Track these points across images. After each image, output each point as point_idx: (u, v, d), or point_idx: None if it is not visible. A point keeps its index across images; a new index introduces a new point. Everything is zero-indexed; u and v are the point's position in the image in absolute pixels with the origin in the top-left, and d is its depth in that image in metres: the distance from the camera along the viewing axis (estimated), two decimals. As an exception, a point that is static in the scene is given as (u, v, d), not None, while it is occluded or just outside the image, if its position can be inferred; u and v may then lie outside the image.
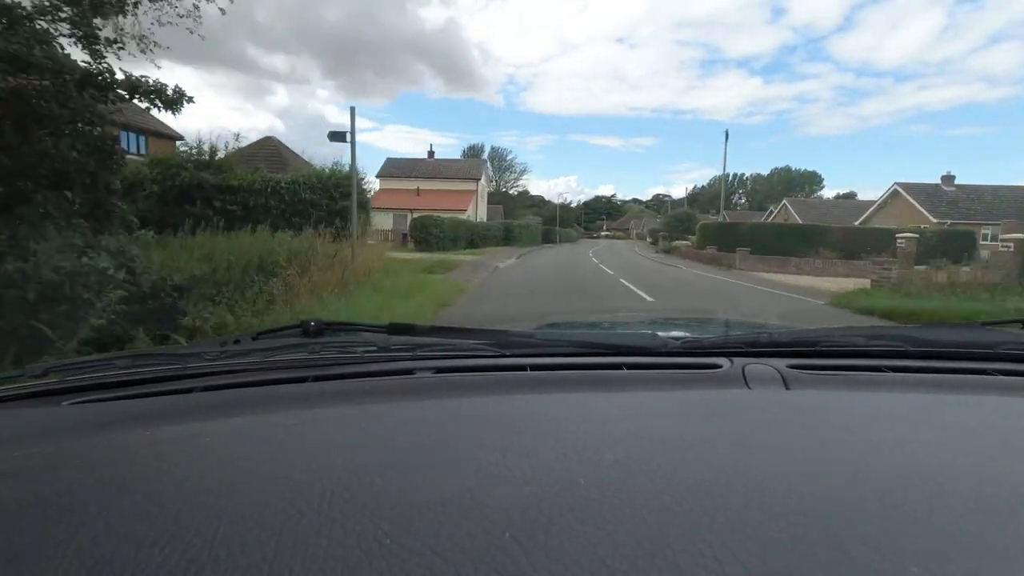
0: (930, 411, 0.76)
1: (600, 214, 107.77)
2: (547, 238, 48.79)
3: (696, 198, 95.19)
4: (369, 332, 1.11)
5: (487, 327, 1.11)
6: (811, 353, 1.01)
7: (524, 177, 79.06)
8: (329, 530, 0.44)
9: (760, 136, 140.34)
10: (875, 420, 0.72)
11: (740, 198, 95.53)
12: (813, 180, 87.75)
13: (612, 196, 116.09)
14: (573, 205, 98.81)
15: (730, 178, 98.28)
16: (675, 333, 1.16)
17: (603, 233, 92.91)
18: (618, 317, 2.90)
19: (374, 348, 1.01)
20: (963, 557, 0.41)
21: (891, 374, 0.93)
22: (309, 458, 0.60)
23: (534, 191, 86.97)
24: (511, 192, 72.89)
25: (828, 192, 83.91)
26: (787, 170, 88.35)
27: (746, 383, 0.88)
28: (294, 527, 0.44)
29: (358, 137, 10.13)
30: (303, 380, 0.89)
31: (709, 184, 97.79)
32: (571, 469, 0.55)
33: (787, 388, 0.87)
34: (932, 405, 0.79)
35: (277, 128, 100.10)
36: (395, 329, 1.07)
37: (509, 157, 77.70)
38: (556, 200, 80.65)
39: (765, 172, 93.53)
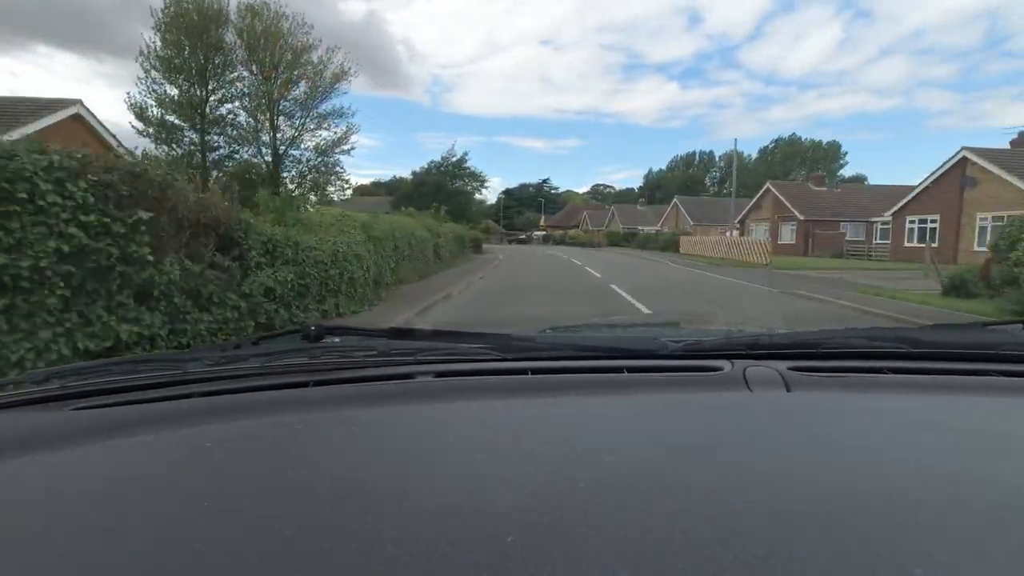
0: (931, 413, 0.77)
1: (527, 206, 78.54)
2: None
3: (660, 184, 68.06)
4: (370, 337, 1.10)
5: (488, 331, 1.09)
6: (812, 355, 1.00)
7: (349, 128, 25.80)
8: (331, 535, 0.44)
9: (679, 139, 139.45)
10: (876, 422, 0.72)
11: (713, 181, 70.02)
12: (831, 155, 63.79)
13: (545, 181, 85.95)
14: (488, 192, 66.88)
15: (696, 158, 71.96)
16: (676, 336, 1.12)
17: (537, 233, 61.75)
18: (618, 321, 2.90)
19: (375, 352, 1.00)
20: (966, 559, 0.41)
21: (892, 376, 0.92)
22: (310, 463, 0.60)
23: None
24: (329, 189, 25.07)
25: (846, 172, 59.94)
26: (796, 141, 63.55)
27: (747, 385, 0.87)
28: (295, 532, 0.44)
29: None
30: (304, 385, 0.88)
31: (669, 168, 71.79)
32: (572, 472, 0.55)
33: (788, 390, 0.86)
34: (933, 406, 0.80)
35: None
36: (395, 333, 1.07)
37: (323, 106, 25.75)
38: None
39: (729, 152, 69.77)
